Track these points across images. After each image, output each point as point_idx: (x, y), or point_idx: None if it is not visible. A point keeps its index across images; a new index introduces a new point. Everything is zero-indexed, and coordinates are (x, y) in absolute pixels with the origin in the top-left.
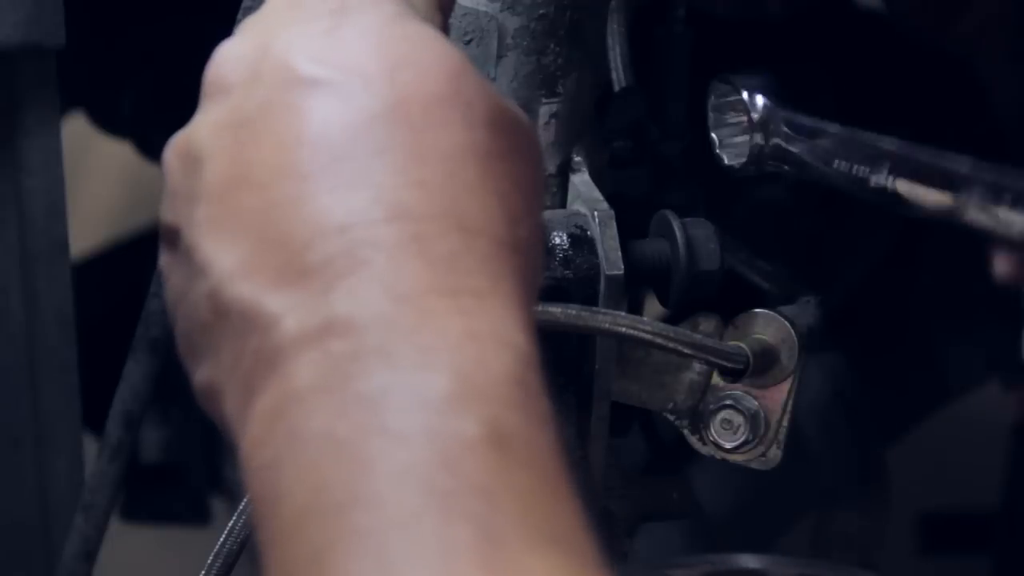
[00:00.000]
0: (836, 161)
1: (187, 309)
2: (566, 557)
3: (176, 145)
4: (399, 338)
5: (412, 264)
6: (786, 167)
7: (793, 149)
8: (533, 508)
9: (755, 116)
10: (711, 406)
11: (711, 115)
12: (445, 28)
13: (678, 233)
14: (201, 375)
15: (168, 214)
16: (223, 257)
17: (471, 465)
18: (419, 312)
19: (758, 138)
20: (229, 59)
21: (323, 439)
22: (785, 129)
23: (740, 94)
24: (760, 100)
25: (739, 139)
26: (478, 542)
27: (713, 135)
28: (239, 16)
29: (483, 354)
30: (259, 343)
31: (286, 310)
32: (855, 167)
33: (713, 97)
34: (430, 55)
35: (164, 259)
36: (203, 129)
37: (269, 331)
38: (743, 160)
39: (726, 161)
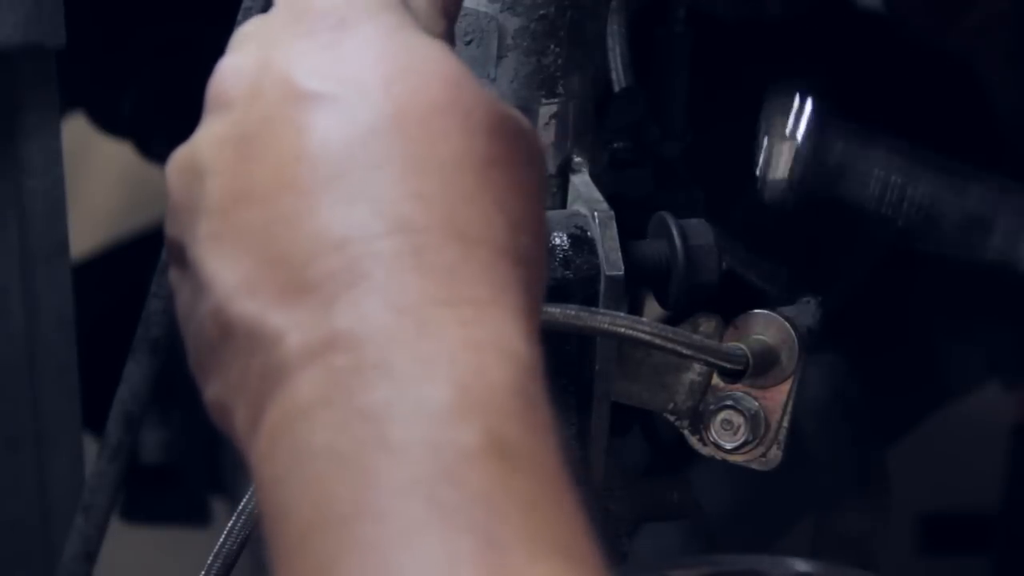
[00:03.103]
0: (877, 171)
1: (195, 326)
2: (570, 566)
3: (178, 160)
4: (399, 350)
5: (411, 276)
6: (822, 184)
7: (838, 159)
8: (536, 517)
9: (804, 124)
10: (711, 407)
11: (762, 123)
12: (451, 32)
13: (677, 238)
14: (211, 392)
15: (172, 229)
16: (226, 274)
17: (473, 476)
18: (419, 323)
19: (804, 147)
20: (231, 74)
21: (327, 454)
22: (833, 139)
23: (793, 100)
24: (809, 106)
25: (785, 148)
26: (482, 552)
27: (762, 147)
28: (239, 17)
29: (483, 364)
30: (265, 360)
31: (290, 326)
32: (894, 177)
33: (766, 105)
34: (428, 66)
35: (172, 275)
36: (205, 144)
37: (274, 348)
38: (785, 177)
39: (769, 177)
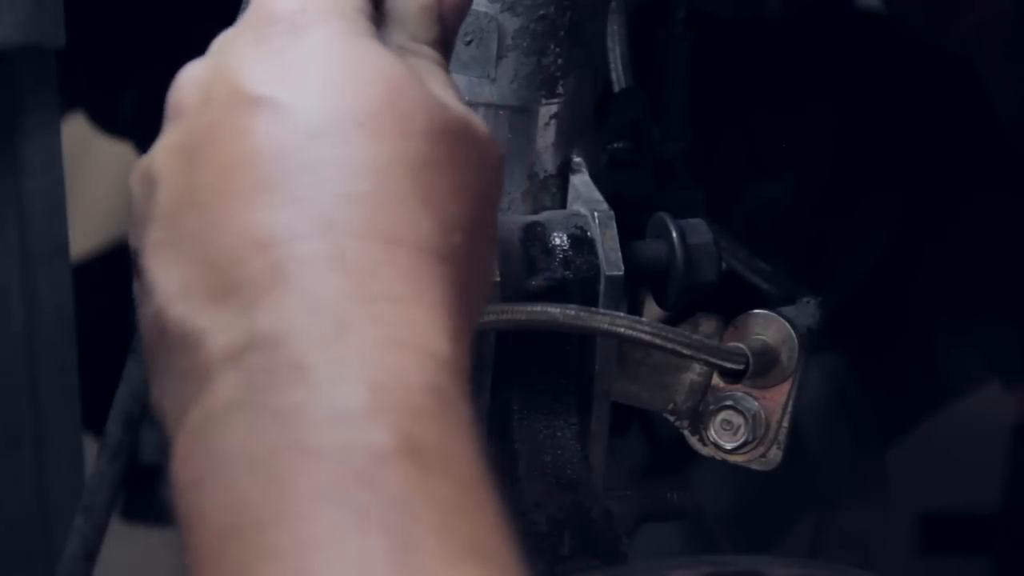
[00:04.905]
0: None
1: (143, 333)
2: (485, 568)
3: (137, 170)
4: (314, 350)
5: (331, 277)
6: None
7: None
8: (451, 519)
9: None
10: (711, 407)
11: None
12: (446, 38)
13: (676, 238)
14: (153, 396)
15: (132, 239)
16: (164, 279)
17: (386, 478)
18: (336, 324)
19: None
20: (186, 83)
21: (241, 457)
22: None
23: None
24: None
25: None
26: (396, 555)
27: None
28: (238, 16)
29: (398, 363)
30: (191, 363)
31: (214, 329)
32: None
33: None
34: (369, 70)
35: (135, 285)
36: (159, 153)
37: (198, 350)
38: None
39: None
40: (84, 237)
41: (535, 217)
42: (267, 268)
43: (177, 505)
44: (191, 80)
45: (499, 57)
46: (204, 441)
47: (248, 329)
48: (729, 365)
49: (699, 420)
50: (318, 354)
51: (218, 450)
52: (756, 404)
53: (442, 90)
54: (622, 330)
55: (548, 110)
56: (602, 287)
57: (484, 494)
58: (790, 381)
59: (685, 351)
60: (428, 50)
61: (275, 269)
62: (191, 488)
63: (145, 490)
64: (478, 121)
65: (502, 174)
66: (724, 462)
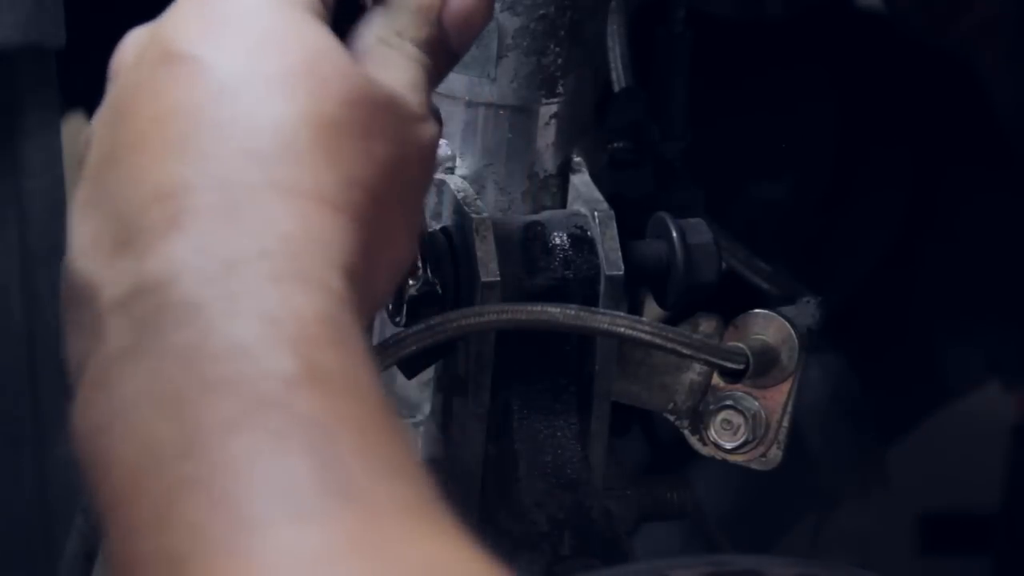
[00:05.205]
0: None
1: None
2: (409, 487)
3: (83, 135)
4: (204, 289)
5: (223, 225)
6: None
7: None
8: (370, 439)
9: None
10: (711, 407)
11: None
12: (437, 41)
13: (676, 238)
14: (64, 354)
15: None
16: (79, 235)
17: (297, 401)
18: (223, 263)
19: None
20: (127, 45)
21: (147, 399)
22: None
23: None
24: None
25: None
26: (319, 473)
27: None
28: None
29: (290, 296)
30: (87, 315)
31: (108, 280)
32: None
33: None
34: (292, 36)
35: None
36: (99, 112)
37: (92, 302)
38: None
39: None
40: None
41: (535, 217)
42: (163, 219)
43: (82, 456)
44: (131, 42)
45: (499, 57)
46: (103, 388)
47: (138, 275)
48: (729, 365)
49: (699, 420)
50: (208, 291)
51: (118, 395)
52: (756, 404)
53: (388, 76)
54: (622, 330)
55: (548, 110)
56: (602, 287)
57: (394, 419)
58: (790, 381)
59: (685, 351)
60: (411, 48)
61: (170, 220)
62: (95, 434)
63: None
64: (415, 103)
65: (429, 156)
66: (724, 462)
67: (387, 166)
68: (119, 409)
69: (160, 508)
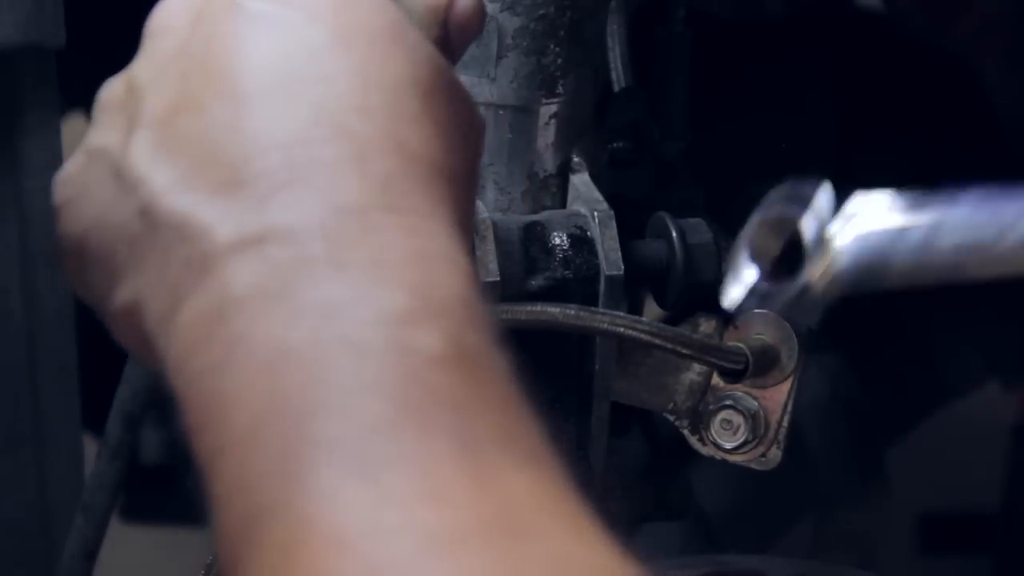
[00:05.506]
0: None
1: (104, 233)
2: (545, 473)
3: (116, 83)
4: (346, 250)
5: (352, 181)
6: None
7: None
8: (509, 426)
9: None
10: (711, 406)
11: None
12: (444, 41)
13: (676, 238)
14: (120, 295)
15: (96, 140)
16: (158, 175)
17: (440, 380)
18: (364, 227)
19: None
20: (175, 6)
21: (274, 345)
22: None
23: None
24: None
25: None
26: (459, 454)
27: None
28: None
29: (434, 272)
30: (189, 251)
31: (221, 218)
32: None
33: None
34: (374, 3)
35: (75, 175)
36: (147, 65)
37: (201, 239)
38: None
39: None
40: None
41: (535, 217)
42: (283, 166)
43: (186, 391)
44: (179, 4)
45: (499, 56)
46: (223, 327)
47: (263, 221)
48: (729, 365)
49: (699, 420)
50: (350, 253)
51: (243, 337)
52: (756, 404)
53: None
54: (622, 330)
55: (548, 110)
56: (602, 287)
57: (527, 405)
58: (790, 381)
59: (685, 351)
60: None
61: (293, 167)
62: (211, 373)
63: (145, 490)
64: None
65: (483, 136)
66: (724, 462)
67: (468, 128)
68: (238, 352)
69: (283, 460)
